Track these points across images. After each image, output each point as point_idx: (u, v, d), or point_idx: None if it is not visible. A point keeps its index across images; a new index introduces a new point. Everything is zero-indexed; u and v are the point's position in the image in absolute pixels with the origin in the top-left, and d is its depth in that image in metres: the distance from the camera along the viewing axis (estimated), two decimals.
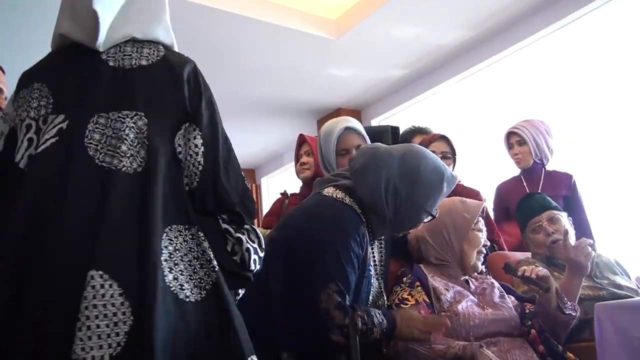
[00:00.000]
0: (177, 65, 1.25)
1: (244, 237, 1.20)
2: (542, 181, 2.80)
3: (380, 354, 1.61)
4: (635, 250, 4.81)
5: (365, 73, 4.78)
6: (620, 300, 1.64)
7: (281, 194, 2.93)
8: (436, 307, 1.74)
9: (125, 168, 1.11)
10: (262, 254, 1.23)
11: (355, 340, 1.41)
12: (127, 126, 1.15)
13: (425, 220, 1.67)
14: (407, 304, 1.73)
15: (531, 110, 4.72)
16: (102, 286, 1.01)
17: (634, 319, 1.49)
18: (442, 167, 1.67)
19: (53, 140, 1.12)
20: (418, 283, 1.79)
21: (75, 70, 1.20)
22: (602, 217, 4.94)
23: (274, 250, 1.50)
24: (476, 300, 1.78)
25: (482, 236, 1.88)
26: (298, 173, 2.76)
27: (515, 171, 2.97)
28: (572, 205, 2.70)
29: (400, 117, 5.18)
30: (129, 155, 1.13)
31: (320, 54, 4.37)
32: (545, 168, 2.86)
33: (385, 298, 1.74)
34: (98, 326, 0.99)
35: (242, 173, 1.30)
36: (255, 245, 1.22)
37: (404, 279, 1.82)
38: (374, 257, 1.70)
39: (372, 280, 1.66)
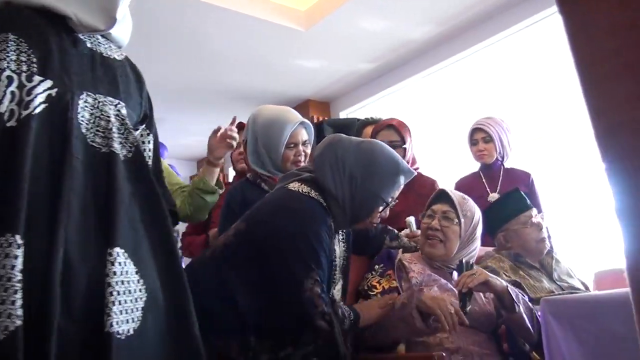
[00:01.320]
0: (137, 69, 1.31)
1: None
2: (501, 178, 2.85)
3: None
4: (597, 246, 4.91)
5: (334, 65, 4.78)
6: (566, 296, 1.68)
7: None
8: (403, 287, 1.80)
9: (120, 154, 1.15)
10: None
11: (339, 327, 1.50)
12: (113, 113, 1.18)
13: (381, 209, 1.70)
14: (374, 292, 1.79)
15: (498, 107, 4.79)
16: (125, 264, 1.07)
17: (579, 313, 1.54)
18: (398, 158, 1.72)
19: (44, 106, 1.09)
20: (390, 272, 1.85)
21: (57, 38, 1.17)
22: (566, 213, 5.05)
23: (239, 242, 1.57)
24: (451, 290, 1.82)
25: (430, 223, 1.93)
26: (235, 162, 2.68)
27: (476, 166, 3.02)
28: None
29: (369, 110, 5.21)
30: (119, 141, 1.16)
31: (289, 44, 4.36)
32: (504, 165, 2.91)
33: (339, 290, 1.78)
34: (125, 301, 1.05)
35: None
36: None
37: (376, 266, 1.89)
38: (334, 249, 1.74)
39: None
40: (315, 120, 5.02)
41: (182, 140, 6.23)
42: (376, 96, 5.11)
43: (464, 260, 1.82)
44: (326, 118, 5.24)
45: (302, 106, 5.42)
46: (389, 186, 1.68)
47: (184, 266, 1.37)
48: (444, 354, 1.48)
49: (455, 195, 1.97)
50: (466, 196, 2.01)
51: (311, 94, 5.39)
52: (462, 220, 1.90)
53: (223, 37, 4.17)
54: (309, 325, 1.48)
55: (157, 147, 1.32)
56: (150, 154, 1.28)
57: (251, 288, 1.52)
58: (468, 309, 1.68)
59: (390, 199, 1.69)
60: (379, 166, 1.66)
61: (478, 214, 1.98)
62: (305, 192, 1.65)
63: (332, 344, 1.48)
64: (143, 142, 1.27)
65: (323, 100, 5.50)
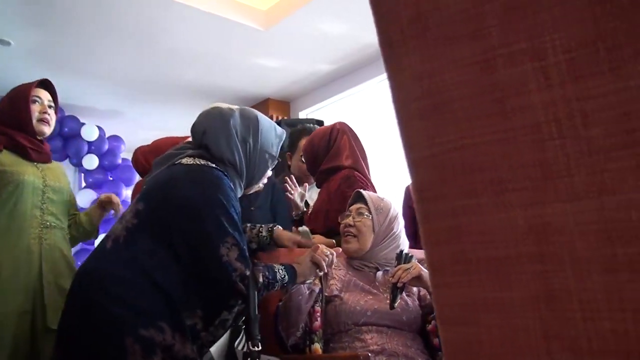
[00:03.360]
0: None
1: None
2: None
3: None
4: None
5: (294, 65, 4.82)
6: None
7: None
8: (327, 291, 1.86)
9: None
10: None
11: (253, 293, 1.53)
12: None
13: (271, 167, 1.85)
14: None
15: None
16: None
17: None
18: (270, 120, 1.91)
19: None
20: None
21: None
22: None
23: (144, 221, 1.56)
24: (373, 291, 1.87)
25: (344, 221, 2.03)
26: None
27: None
28: None
29: (328, 111, 5.27)
30: None
31: (249, 43, 4.38)
32: None
33: None
34: None
35: None
36: None
37: None
38: None
39: None
40: (274, 119, 5.06)
41: (140, 135, 6.18)
42: (336, 97, 5.18)
43: (404, 252, 1.86)
44: (285, 117, 5.28)
45: (262, 105, 5.45)
46: (275, 142, 1.84)
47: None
48: (369, 354, 1.52)
49: (370, 194, 2.08)
50: (385, 197, 2.10)
51: (271, 93, 5.41)
52: (374, 214, 1.99)
53: (184, 34, 4.16)
54: (231, 289, 1.52)
55: None
56: None
57: (168, 263, 1.50)
58: (397, 303, 1.74)
59: (276, 153, 1.85)
60: (264, 127, 1.80)
61: (394, 210, 2.07)
62: (204, 164, 1.67)
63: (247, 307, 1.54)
64: None
65: (283, 99, 5.54)
